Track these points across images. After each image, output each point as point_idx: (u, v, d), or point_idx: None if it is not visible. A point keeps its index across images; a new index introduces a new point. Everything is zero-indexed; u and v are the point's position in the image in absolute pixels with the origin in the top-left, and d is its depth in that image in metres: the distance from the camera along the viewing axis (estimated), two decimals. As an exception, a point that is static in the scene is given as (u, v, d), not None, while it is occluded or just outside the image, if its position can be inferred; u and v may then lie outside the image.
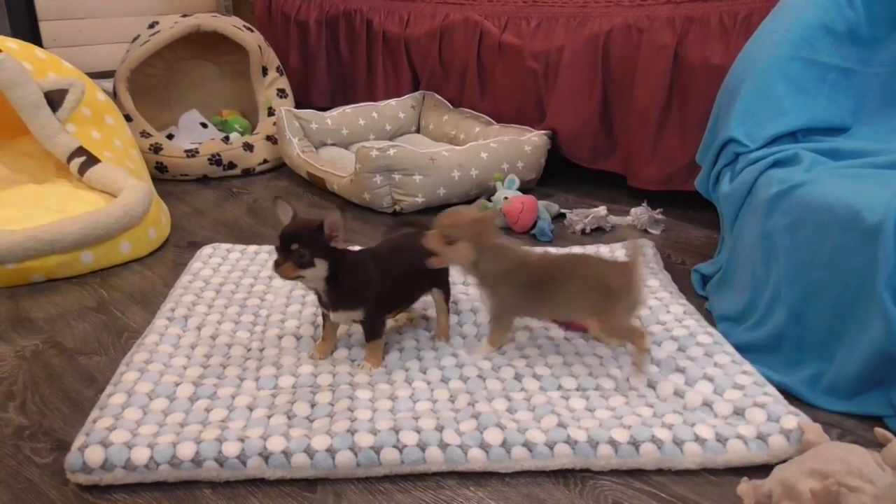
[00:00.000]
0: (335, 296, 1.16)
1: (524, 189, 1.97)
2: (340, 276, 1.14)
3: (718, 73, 1.55)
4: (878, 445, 0.89)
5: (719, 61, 1.72)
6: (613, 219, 1.84)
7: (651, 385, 1.14)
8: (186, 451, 0.98)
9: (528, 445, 1.00)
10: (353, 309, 1.18)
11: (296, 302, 1.42)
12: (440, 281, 1.28)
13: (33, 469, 1.01)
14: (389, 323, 1.27)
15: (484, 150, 1.98)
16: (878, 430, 0.90)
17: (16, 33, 2.82)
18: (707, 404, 1.08)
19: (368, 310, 1.18)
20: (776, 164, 1.29)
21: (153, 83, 2.52)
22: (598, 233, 1.82)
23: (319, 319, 1.33)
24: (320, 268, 1.12)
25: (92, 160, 1.78)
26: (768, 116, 1.35)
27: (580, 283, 1.17)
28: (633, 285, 1.16)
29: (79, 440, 1.00)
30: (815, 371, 1.15)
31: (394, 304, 1.25)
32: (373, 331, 1.20)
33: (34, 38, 3.04)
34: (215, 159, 2.24)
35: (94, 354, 1.29)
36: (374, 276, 1.18)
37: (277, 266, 1.11)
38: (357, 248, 1.24)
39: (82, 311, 1.45)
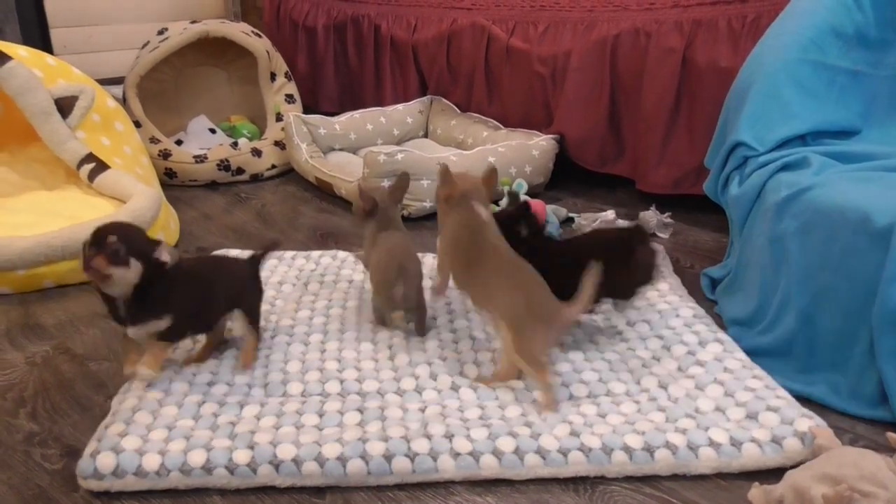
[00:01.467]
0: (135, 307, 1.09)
1: (532, 193, 1.97)
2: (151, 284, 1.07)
3: (727, 77, 1.55)
4: (890, 450, 0.88)
5: (727, 65, 1.72)
6: (622, 223, 1.84)
7: (662, 388, 1.14)
8: (197, 458, 0.98)
9: (541, 452, 0.99)
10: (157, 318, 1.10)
11: (305, 307, 1.42)
12: (242, 302, 1.23)
13: (43, 475, 1.01)
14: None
15: (492, 155, 1.98)
16: (891, 435, 0.89)
17: (27, 40, 2.84)
18: (720, 409, 1.08)
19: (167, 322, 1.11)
20: (785, 167, 1.29)
21: (162, 89, 2.54)
22: (606, 237, 1.82)
23: (330, 325, 1.34)
24: (134, 270, 1.05)
25: (101, 166, 1.79)
26: (777, 120, 1.35)
27: (513, 284, 1.13)
28: (566, 318, 1.11)
29: (91, 446, 1.00)
30: (829, 375, 1.15)
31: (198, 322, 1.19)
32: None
33: (45, 45, 3.05)
34: (224, 165, 2.25)
35: (105, 360, 1.29)
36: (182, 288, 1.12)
37: (88, 260, 1.03)
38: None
39: (92, 317, 1.45)
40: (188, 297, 1.13)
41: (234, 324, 1.24)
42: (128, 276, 1.04)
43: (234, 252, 1.68)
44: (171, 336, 1.14)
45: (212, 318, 1.21)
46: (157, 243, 1.07)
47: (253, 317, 1.25)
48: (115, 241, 1.02)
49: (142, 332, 1.10)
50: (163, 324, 1.10)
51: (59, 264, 1.54)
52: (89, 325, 1.41)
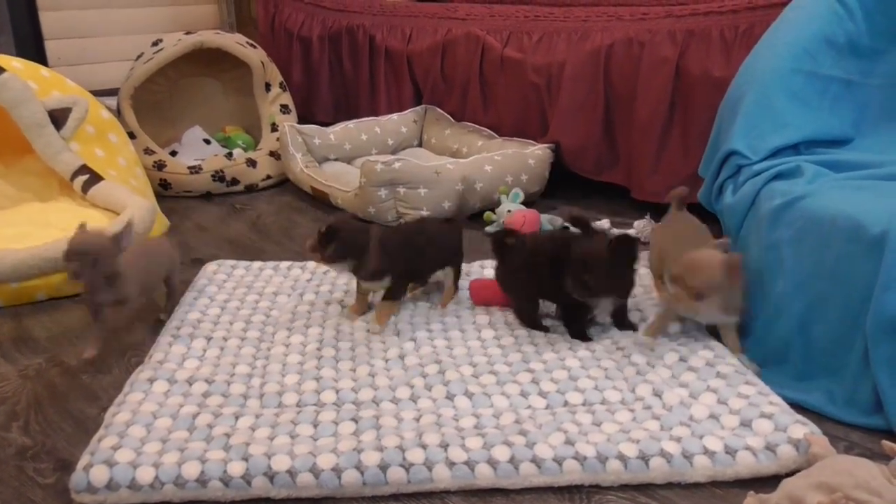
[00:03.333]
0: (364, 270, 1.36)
1: (529, 202, 1.98)
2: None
3: (720, 86, 1.55)
4: (885, 458, 0.88)
5: (721, 74, 1.72)
6: (617, 231, 1.84)
7: (657, 395, 1.14)
8: (191, 470, 0.97)
9: (536, 461, 0.99)
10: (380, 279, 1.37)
11: (301, 318, 1.42)
12: (454, 260, 1.48)
13: (36, 489, 1.00)
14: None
15: (488, 163, 1.99)
16: (886, 443, 0.89)
17: (21, 52, 2.85)
18: (714, 416, 1.08)
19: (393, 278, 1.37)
20: (778, 176, 1.29)
21: (157, 100, 2.54)
22: (601, 246, 1.82)
23: (325, 333, 1.34)
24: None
25: (95, 178, 1.79)
26: (770, 129, 1.35)
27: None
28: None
29: (84, 460, 0.99)
30: (824, 383, 1.15)
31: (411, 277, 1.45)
32: (393, 294, 1.39)
33: (40, 56, 3.06)
34: (218, 175, 2.25)
35: (98, 373, 1.28)
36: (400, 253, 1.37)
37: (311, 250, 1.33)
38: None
39: (85, 329, 1.44)
40: (404, 260, 1.38)
41: (445, 275, 1.47)
42: (349, 265, 1.35)
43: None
44: (395, 292, 1.39)
45: (425, 274, 1.47)
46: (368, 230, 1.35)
47: (458, 273, 1.50)
48: (332, 249, 1.31)
49: (375, 286, 1.38)
50: (385, 283, 1.37)
51: (53, 276, 1.53)
52: (82, 338, 1.41)
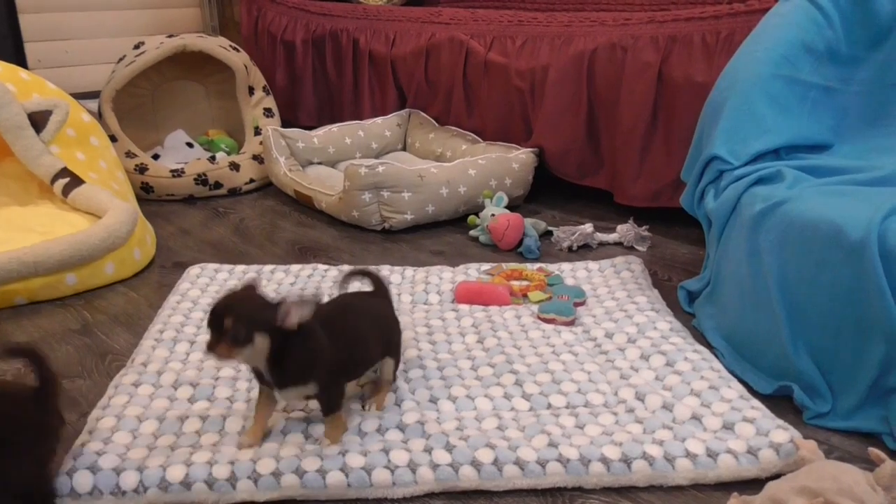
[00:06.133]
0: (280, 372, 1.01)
1: (512, 206, 1.98)
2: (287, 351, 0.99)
3: (702, 91, 1.57)
4: (869, 464, 0.89)
5: (703, 79, 1.74)
6: (600, 236, 1.85)
7: (640, 399, 1.14)
8: (176, 474, 0.97)
9: (519, 464, 1.00)
10: (303, 383, 1.03)
11: (283, 322, 1.41)
12: (392, 348, 1.17)
13: (16, 495, 0.99)
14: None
15: (472, 167, 1.99)
16: (872, 450, 0.90)
17: (1, 55, 2.82)
18: (696, 420, 1.09)
19: (322, 380, 1.03)
20: (760, 181, 1.31)
21: (139, 103, 2.52)
22: (584, 250, 1.83)
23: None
24: (261, 344, 0.96)
25: (76, 181, 1.77)
26: (751, 134, 1.36)
27: None
28: None
29: (66, 464, 0.99)
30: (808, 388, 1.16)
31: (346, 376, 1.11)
32: (330, 405, 1.06)
33: (19, 59, 3.03)
34: (201, 179, 2.24)
35: (78, 378, 1.27)
36: (325, 344, 1.03)
37: (210, 348, 0.95)
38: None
39: (66, 333, 1.43)
40: (334, 353, 1.03)
41: (382, 370, 1.17)
42: (256, 352, 0.97)
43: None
44: (332, 400, 1.05)
45: (362, 369, 1.14)
46: (277, 307, 0.97)
47: (396, 364, 1.18)
48: (231, 324, 0.94)
49: (291, 396, 1.05)
50: (310, 389, 1.03)
51: (32, 280, 1.52)
52: (62, 342, 1.39)
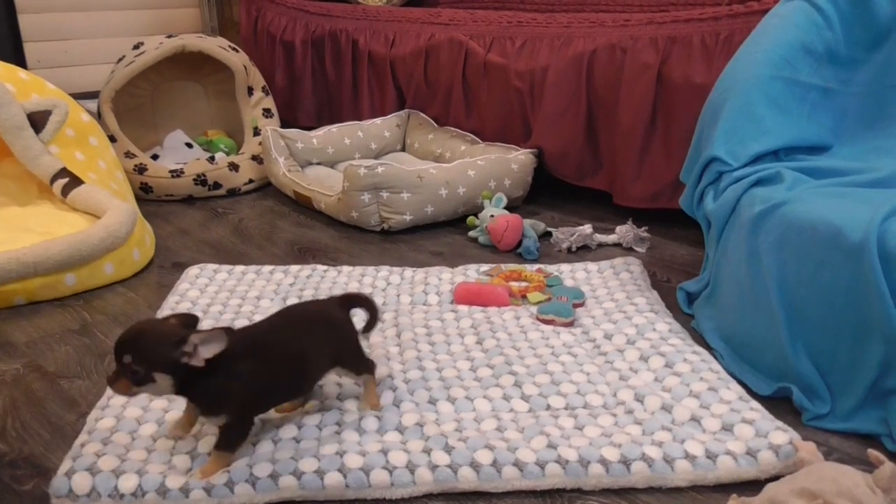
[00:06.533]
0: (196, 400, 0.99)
1: (511, 207, 1.98)
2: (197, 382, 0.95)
3: (701, 93, 1.57)
4: (868, 465, 0.89)
5: (702, 81, 1.74)
6: (599, 237, 1.85)
7: (639, 400, 1.14)
8: (175, 481, 0.96)
9: (518, 465, 0.99)
10: (214, 415, 0.98)
11: (282, 323, 1.41)
12: (342, 355, 1.10)
13: (12, 497, 0.99)
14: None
15: (471, 168, 1.99)
16: (871, 452, 0.90)
17: (0, 55, 2.81)
18: (695, 421, 1.09)
19: (232, 415, 0.98)
20: (759, 182, 1.31)
21: (138, 104, 2.52)
22: (583, 251, 1.83)
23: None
24: (163, 383, 0.93)
25: (75, 181, 1.77)
26: (751, 135, 1.36)
27: None
28: None
29: (65, 465, 0.98)
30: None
31: (273, 401, 1.06)
32: (227, 441, 1.00)
33: (18, 59, 3.03)
34: (200, 179, 2.24)
35: (77, 378, 1.27)
36: (242, 376, 0.97)
37: (109, 383, 0.92)
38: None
39: (64, 333, 1.43)
40: (251, 384, 0.98)
41: (344, 379, 1.14)
42: (159, 389, 0.93)
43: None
44: (231, 438, 1.00)
45: (295, 389, 1.08)
46: (183, 341, 0.92)
47: (356, 366, 1.12)
48: (130, 361, 0.90)
49: (211, 423, 1.01)
50: (221, 420, 0.98)
51: (31, 281, 1.52)
52: (61, 343, 1.39)
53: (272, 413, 1.11)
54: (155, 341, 0.92)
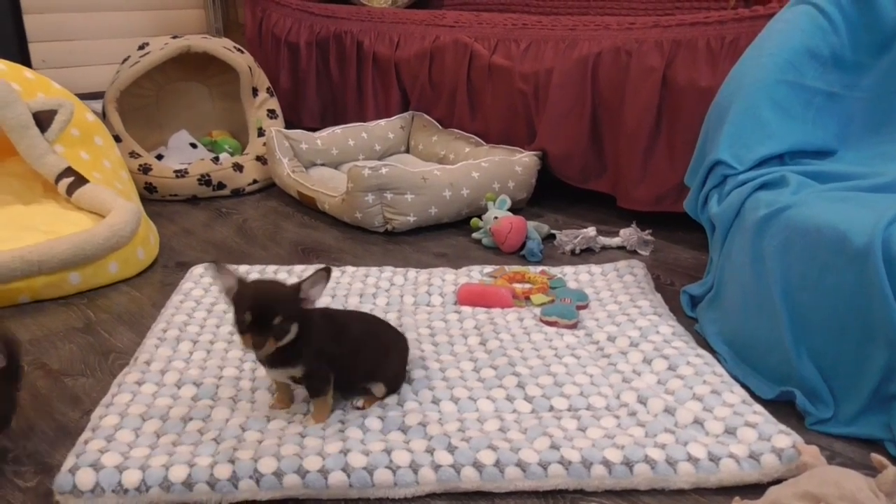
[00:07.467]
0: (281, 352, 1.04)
1: (515, 209, 1.98)
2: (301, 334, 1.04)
3: (706, 96, 1.57)
4: (872, 470, 0.89)
5: (707, 84, 1.74)
6: (603, 239, 1.85)
7: (642, 402, 1.14)
8: (178, 473, 0.96)
9: (521, 465, 0.99)
10: (292, 366, 1.07)
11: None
12: (391, 375, 1.17)
13: (16, 493, 0.99)
14: None
15: (475, 170, 1.99)
16: (875, 457, 0.90)
17: (5, 55, 2.82)
18: (698, 422, 1.09)
19: (309, 366, 1.07)
20: (764, 186, 1.31)
21: (143, 104, 2.52)
22: (587, 253, 1.83)
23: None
24: (292, 332, 1.03)
25: (80, 181, 1.78)
26: (756, 139, 1.36)
27: None
28: None
29: (69, 461, 0.99)
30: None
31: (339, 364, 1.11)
32: (316, 388, 1.10)
33: (24, 59, 3.04)
34: (205, 179, 2.24)
35: (81, 376, 1.27)
36: (318, 331, 1.07)
37: (258, 346, 1.00)
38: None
39: (69, 332, 1.43)
40: (325, 349, 1.07)
41: (375, 391, 1.16)
42: (290, 338, 1.02)
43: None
44: (316, 383, 1.09)
45: (349, 382, 1.14)
46: (299, 288, 1.02)
47: (391, 390, 1.17)
48: (281, 319, 0.99)
49: (280, 376, 1.09)
50: (297, 371, 1.06)
51: (36, 279, 1.52)
52: (65, 341, 1.40)
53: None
54: (288, 296, 1.02)
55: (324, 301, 1.49)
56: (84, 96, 2.06)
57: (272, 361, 1.06)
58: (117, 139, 2.22)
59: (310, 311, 1.05)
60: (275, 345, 1.00)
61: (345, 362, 1.11)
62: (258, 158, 2.34)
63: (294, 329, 1.02)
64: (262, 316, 0.99)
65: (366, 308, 1.47)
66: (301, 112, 2.82)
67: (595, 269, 1.68)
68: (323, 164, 2.33)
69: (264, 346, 0.99)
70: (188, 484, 0.96)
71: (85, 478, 0.95)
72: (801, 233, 1.16)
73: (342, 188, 1.98)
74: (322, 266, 1.04)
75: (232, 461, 0.99)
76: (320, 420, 1.09)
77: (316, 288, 1.03)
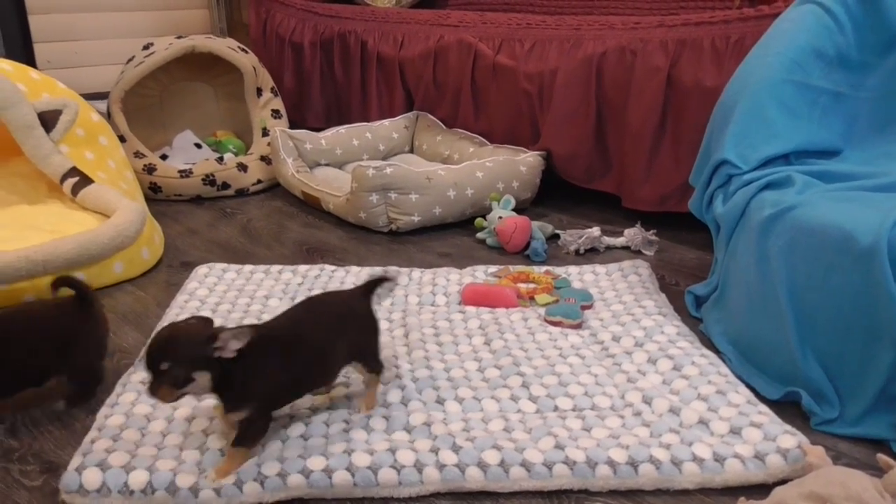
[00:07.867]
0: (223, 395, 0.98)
1: (519, 209, 1.98)
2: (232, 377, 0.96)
3: (711, 96, 1.57)
4: (877, 470, 0.88)
5: (712, 84, 1.74)
6: (607, 239, 1.85)
7: (646, 402, 1.14)
8: (185, 480, 0.97)
9: (525, 465, 0.99)
10: (237, 410, 0.99)
11: (290, 322, 1.41)
12: (362, 350, 1.12)
13: (22, 492, 0.99)
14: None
15: (479, 170, 1.99)
16: (881, 457, 0.90)
17: (10, 55, 2.83)
18: (703, 424, 1.08)
19: (254, 409, 0.99)
20: (769, 186, 1.30)
21: (147, 104, 2.53)
22: (591, 253, 1.83)
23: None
24: (200, 381, 0.94)
25: (85, 180, 1.78)
26: (761, 139, 1.36)
27: None
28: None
29: (75, 461, 0.99)
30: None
31: (293, 395, 1.07)
32: (246, 437, 1.00)
33: (28, 60, 3.04)
34: (209, 179, 2.24)
35: (86, 375, 1.27)
36: (265, 370, 0.99)
37: (151, 391, 0.92)
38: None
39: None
40: (275, 376, 1.00)
41: (354, 373, 1.14)
42: (200, 387, 0.94)
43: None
44: (250, 434, 1.00)
45: (317, 382, 1.10)
46: (215, 337, 0.93)
47: (372, 364, 1.13)
48: (167, 366, 0.91)
49: (232, 419, 1.01)
50: (243, 414, 0.98)
51: (40, 279, 1.52)
52: (71, 340, 1.40)
53: (306, 399, 1.12)
54: (187, 341, 0.93)
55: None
56: (89, 96, 2.06)
57: (225, 407, 0.99)
58: (122, 139, 2.23)
59: (249, 355, 0.95)
60: (173, 393, 0.93)
61: (310, 370, 1.05)
62: (262, 158, 2.35)
63: (203, 378, 0.93)
64: (151, 360, 0.92)
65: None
66: (305, 112, 2.83)
67: (599, 269, 1.67)
68: (327, 164, 2.34)
69: (158, 392, 0.92)
70: (194, 490, 0.96)
71: (91, 477, 0.96)
72: (806, 233, 1.16)
73: (346, 188, 1.98)
74: (249, 325, 0.98)
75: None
76: (223, 474, 0.97)
77: (236, 341, 0.94)
